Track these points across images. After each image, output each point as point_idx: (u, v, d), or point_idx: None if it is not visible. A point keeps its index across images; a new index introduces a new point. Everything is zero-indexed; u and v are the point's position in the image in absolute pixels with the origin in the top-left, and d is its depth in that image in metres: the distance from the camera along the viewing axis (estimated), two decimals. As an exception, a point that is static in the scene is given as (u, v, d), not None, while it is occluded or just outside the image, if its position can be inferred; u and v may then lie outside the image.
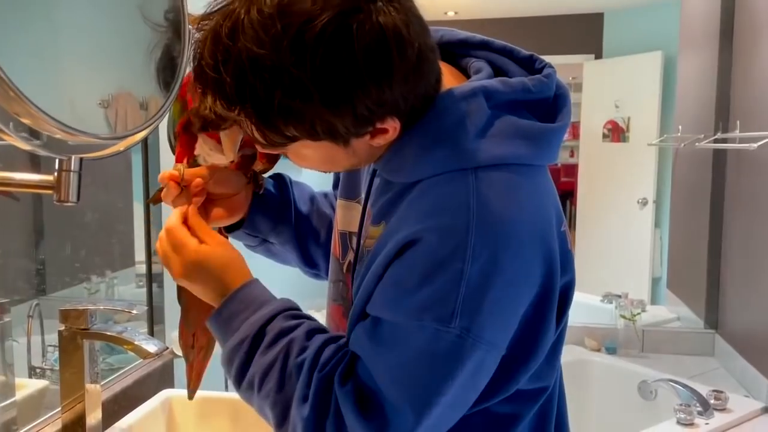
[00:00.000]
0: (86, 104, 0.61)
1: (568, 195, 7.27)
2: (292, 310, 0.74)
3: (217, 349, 0.81)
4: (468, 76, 0.72)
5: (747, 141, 1.98)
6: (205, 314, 0.89)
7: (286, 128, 0.63)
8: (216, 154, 0.81)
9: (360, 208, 0.78)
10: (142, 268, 1.32)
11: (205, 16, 0.63)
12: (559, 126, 0.70)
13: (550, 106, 0.71)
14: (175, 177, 0.77)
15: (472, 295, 0.62)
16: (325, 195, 0.96)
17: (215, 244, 0.74)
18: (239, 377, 0.72)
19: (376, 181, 0.74)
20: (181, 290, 0.89)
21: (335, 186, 0.91)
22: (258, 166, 0.85)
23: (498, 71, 0.72)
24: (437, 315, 0.63)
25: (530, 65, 0.73)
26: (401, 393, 0.65)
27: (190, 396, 0.96)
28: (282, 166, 0.87)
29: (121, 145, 0.63)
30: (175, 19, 0.61)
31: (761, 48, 2.10)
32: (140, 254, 1.32)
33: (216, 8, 0.62)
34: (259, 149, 0.80)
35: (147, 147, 1.28)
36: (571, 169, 5.19)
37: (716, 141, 2.32)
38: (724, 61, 2.39)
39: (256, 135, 0.65)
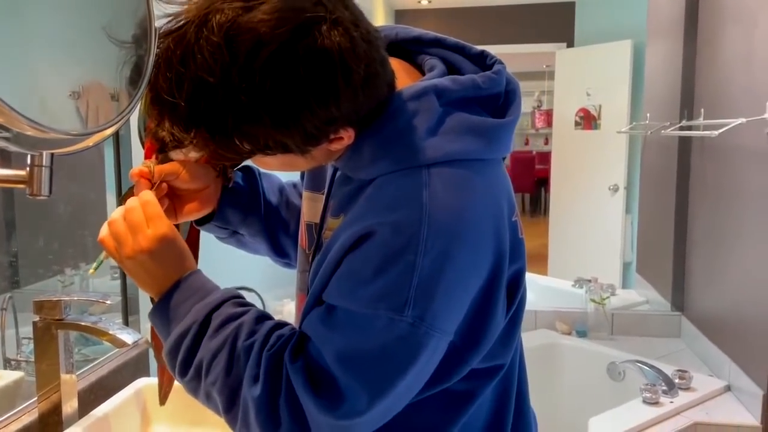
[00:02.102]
0: (56, 101, 0.62)
1: (543, 182, 7.35)
2: (238, 299, 0.75)
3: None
4: (423, 73, 0.75)
5: (710, 129, 2.03)
6: None
7: (240, 146, 0.65)
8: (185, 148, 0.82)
9: (323, 201, 0.80)
10: (116, 260, 1.34)
11: (160, 36, 0.64)
12: (509, 120, 0.73)
13: (501, 101, 0.74)
14: (146, 173, 0.78)
15: (424, 286, 0.65)
16: (294, 185, 0.98)
17: (171, 233, 0.74)
18: (185, 365, 0.72)
19: (338, 174, 0.76)
20: None
21: (302, 177, 0.93)
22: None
23: (451, 68, 0.75)
24: (391, 304, 0.65)
25: (482, 61, 0.76)
26: (354, 378, 0.67)
27: (162, 401, 0.94)
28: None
29: (90, 141, 0.65)
30: (142, 18, 0.62)
31: (724, 37, 2.15)
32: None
33: (170, 29, 0.63)
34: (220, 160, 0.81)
35: (119, 140, 1.29)
36: (546, 157, 5.27)
37: (681, 128, 2.37)
38: (689, 50, 2.44)
39: (213, 153, 0.68)
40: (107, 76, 0.68)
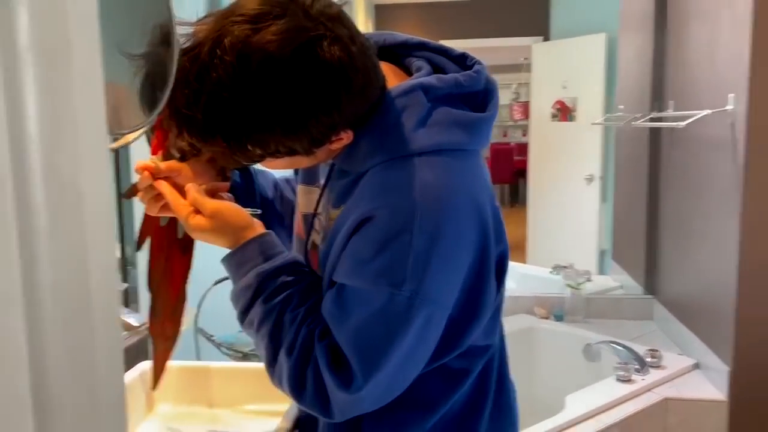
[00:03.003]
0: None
1: (521, 173, 7.44)
2: (296, 266, 0.83)
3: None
4: (410, 74, 0.83)
5: (679, 120, 2.14)
6: (171, 300, 0.98)
7: (253, 152, 0.73)
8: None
9: (317, 193, 0.88)
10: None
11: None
12: (489, 115, 0.82)
13: (481, 98, 0.82)
14: (151, 168, 0.85)
15: (419, 262, 0.73)
16: (287, 180, 1.06)
17: (220, 210, 0.82)
18: (242, 316, 0.82)
19: (335, 169, 0.84)
20: (151, 278, 0.96)
21: (295, 172, 1.00)
22: None
23: (436, 68, 0.83)
24: (391, 280, 0.73)
25: (463, 62, 0.84)
26: (357, 350, 0.75)
27: (154, 386, 1.02)
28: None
29: (125, 140, 0.71)
30: (155, 35, 0.68)
31: (691, 32, 2.25)
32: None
33: (185, 49, 0.69)
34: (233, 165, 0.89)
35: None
36: (525, 148, 5.35)
37: (652, 120, 2.48)
38: (659, 44, 2.54)
39: (228, 158, 0.75)
40: (119, 80, 0.75)
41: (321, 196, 0.86)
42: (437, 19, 4.91)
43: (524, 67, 6.18)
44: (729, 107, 1.89)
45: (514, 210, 8.05)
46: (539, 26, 4.52)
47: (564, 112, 4.32)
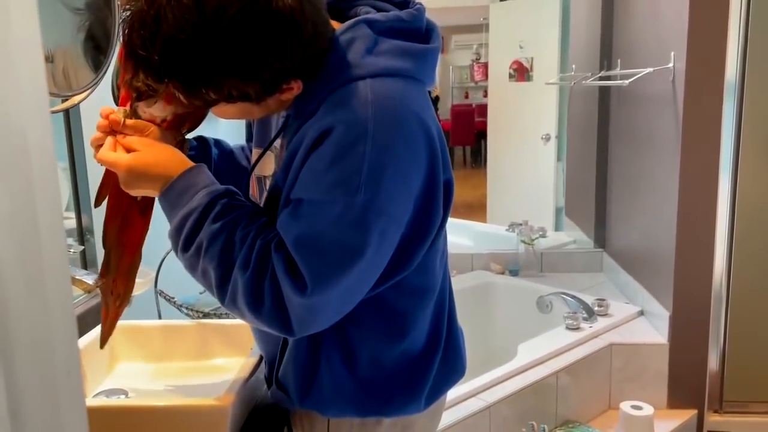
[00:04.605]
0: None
1: (483, 134, 7.48)
2: (238, 195, 0.86)
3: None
4: None
5: (625, 78, 2.21)
6: (126, 260, 1.00)
7: (207, 95, 0.76)
8: (153, 107, 0.89)
9: (273, 156, 0.92)
10: (65, 224, 1.41)
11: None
12: (434, 47, 0.87)
13: (423, 34, 0.87)
14: (115, 122, 0.87)
15: (373, 173, 0.77)
16: (242, 148, 1.09)
17: (146, 148, 0.85)
18: (187, 243, 0.83)
19: (289, 120, 0.88)
20: (105, 233, 0.97)
21: (249, 139, 1.04)
22: (184, 127, 0.94)
23: (381, 11, 0.87)
24: (345, 190, 0.77)
25: (405, 6, 0.88)
26: (308, 254, 0.79)
27: (102, 344, 1.03)
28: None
29: (73, 101, 0.74)
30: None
31: (636, -8, 2.31)
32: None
33: None
34: (187, 109, 0.91)
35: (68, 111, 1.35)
36: (486, 109, 5.40)
37: (601, 78, 2.55)
38: (608, 3, 2.60)
39: (183, 100, 0.79)
40: (67, 41, 0.77)
41: (270, 147, 0.90)
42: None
43: (484, 28, 6.20)
44: (670, 65, 1.96)
45: (475, 171, 8.13)
46: (496, -14, 4.53)
47: (521, 72, 4.36)
